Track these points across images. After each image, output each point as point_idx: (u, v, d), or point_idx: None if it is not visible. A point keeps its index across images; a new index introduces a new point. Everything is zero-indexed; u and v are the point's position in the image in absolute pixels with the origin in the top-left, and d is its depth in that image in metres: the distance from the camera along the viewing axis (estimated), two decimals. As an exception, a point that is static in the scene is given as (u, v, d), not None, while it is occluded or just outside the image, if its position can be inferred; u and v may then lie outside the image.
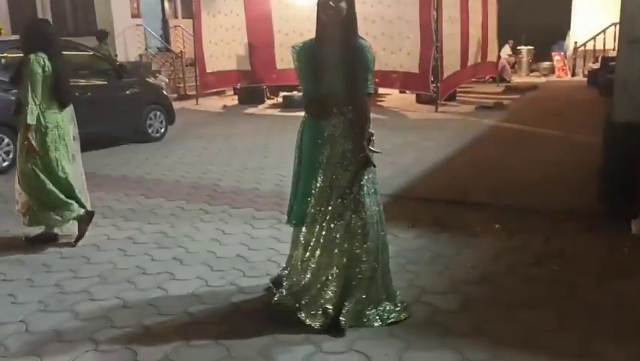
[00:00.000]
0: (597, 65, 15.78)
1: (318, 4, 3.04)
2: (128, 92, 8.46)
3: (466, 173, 6.21)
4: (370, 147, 3.07)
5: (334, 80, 3.03)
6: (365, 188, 3.09)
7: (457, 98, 12.65)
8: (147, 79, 9.23)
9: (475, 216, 4.74)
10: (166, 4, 16.44)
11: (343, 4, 2.98)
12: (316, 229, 3.10)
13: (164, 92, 9.16)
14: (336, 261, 3.05)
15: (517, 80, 16.92)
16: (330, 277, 3.07)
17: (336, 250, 3.06)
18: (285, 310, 3.10)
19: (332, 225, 3.07)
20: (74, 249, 4.31)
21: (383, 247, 3.17)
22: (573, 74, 17.56)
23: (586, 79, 15.79)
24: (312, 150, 3.17)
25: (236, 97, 14.27)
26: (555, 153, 7.02)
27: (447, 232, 4.43)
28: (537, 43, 19.23)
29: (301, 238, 3.18)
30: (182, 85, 14.82)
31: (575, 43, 17.56)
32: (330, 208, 3.07)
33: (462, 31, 12.35)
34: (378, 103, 12.50)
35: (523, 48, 18.94)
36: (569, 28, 18.72)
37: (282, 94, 13.50)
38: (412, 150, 7.57)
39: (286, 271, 3.37)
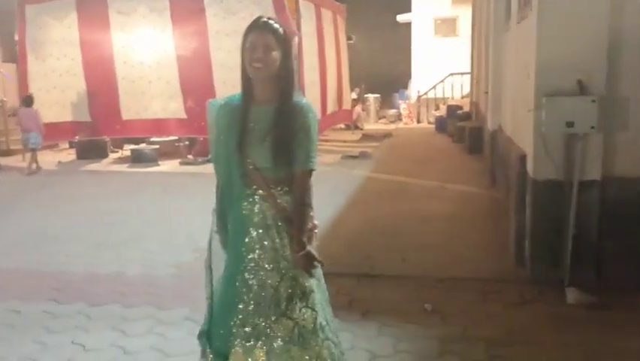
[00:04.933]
0: (440, 113, 16.64)
1: (243, 54, 2.23)
2: None
3: (367, 236, 5.56)
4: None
5: (264, 151, 2.22)
6: (312, 296, 2.28)
7: (319, 147, 12.26)
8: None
9: (397, 293, 4.08)
10: (-18, 46, 14.23)
11: (276, 54, 2.20)
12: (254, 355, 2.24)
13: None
14: None
15: (368, 127, 17.18)
16: None
17: None
18: None
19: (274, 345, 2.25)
20: None
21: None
22: (418, 121, 18.32)
23: (432, 125, 16.50)
24: (236, 247, 2.31)
25: (73, 151, 12.54)
26: (444, 206, 6.72)
27: (372, 318, 3.68)
28: (379, 91, 19.96)
29: None
30: (4, 139, 12.69)
31: (418, 92, 18.42)
32: (269, 326, 2.25)
33: (321, 79, 12.13)
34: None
35: (371, 96, 19.47)
36: (409, 78, 19.66)
37: (127, 147, 12.12)
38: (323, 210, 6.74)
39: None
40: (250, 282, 2.25)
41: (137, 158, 11.23)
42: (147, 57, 11.25)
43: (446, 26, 18.59)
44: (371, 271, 4.55)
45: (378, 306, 3.88)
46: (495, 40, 7.90)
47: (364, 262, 4.77)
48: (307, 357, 2.23)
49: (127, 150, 12.08)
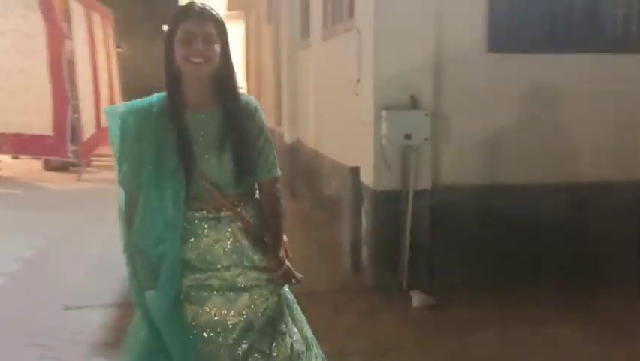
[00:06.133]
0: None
1: (177, 49, 1.81)
2: None
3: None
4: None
5: (223, 164, 1.85)
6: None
7: (92, 162, 11.16)
8: None
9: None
10: None
11: (217, 48, 1.83)
12: None
13: None
14: None
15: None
16: None
17: None
18: None
19: None
20: None
21: None
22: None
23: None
24: (194, 284, 1.95)
25: None
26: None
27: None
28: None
29: None
30: None
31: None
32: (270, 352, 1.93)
33: (94, 90, 11.07)
34: (-8, 172, 10.05)
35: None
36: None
37: None
38: (95, 237, 5.86)
39: None
40: (239, 310, 1.91)
41: None
42: None
43: (216, 42, 18.66)
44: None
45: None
46: (290, 58, 8.10)
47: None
48: None
49: None
